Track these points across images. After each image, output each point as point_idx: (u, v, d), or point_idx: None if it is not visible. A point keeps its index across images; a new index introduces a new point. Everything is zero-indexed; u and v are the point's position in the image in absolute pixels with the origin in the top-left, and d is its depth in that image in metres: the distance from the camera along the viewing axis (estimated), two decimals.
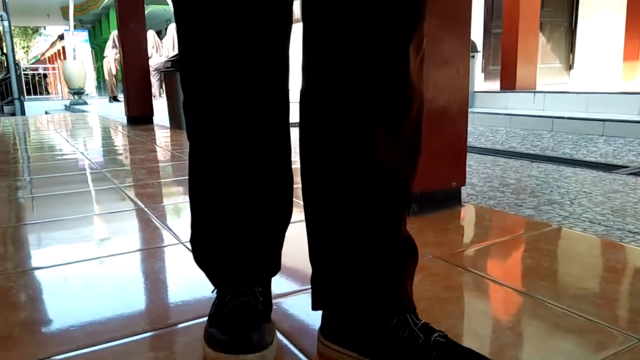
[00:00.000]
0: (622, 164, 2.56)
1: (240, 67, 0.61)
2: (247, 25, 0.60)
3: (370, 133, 0.59)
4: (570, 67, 6.59)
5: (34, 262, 1.07)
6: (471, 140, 3.60)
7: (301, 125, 0.64)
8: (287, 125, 0.70)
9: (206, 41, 0.61)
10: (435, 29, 1.40)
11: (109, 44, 10.62)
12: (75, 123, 5.30)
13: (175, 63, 4.07)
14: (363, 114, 0.59)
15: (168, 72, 4.12)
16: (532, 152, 3.07)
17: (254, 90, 0.63)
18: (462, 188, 1.53)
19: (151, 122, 4.58)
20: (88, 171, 2.22)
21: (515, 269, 0.98)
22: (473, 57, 5.24)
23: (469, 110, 1.54)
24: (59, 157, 2.71)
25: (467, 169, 1.51)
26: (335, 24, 0.58)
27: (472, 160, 2.56)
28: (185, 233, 1.23)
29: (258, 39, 0.61)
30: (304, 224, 0.67)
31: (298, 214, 0.71)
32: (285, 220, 0.73)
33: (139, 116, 4.55)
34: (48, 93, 16.00)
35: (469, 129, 1.44)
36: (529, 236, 1.19)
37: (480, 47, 6.79)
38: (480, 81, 6.94)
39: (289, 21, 0.64)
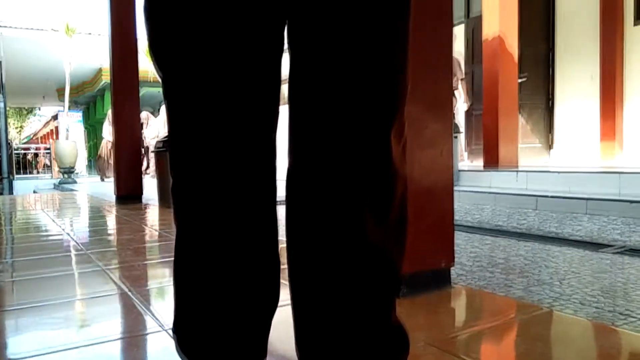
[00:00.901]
0: (607, 242, 2.59)
1: (229, 153, 0.63)
2: (236, 109, 0.62)
3: (359, 218, 0.60)
4: (550, 146, 6.82)
5: (9, 353, 1.02)
6: (458, 218, 3.63)
7: (288, 209, 0.65)
8: (274, 209, 0.70)
9: (195, 125, 0.63)
10: (418, 113, 1.46)
11: (106, 125, 10.73)
12: (63, 202, 5.28)
13: (165, 143, 4.15)
14: (350, 200, 0.60)
15: (159, 152, 4.19)
16: (518, 230, 3.10)
17: (243, 175, 0.64)
18: (452, 268, 1.52)
19: (140, 200, 4.58)
20: (73, 252, 2.18)
21: (509, 356, 0.96)
22: (456, 137, 5.43)
23: (455, 188, 1.58)
24: (44, 238, 2.67)
25: (456, 248, 1.51)
26: (317, 113, 0.60)
27: (460, 238, 2.57)
28: (169, 318, 1.19)
29: (246, 123, 0.63)
30: (290, 308, 0.66)
31: (284, 295, 0.70)
32: (272, 305, 0.72)
33: (128, 195, 4.56)
34: (38, 172, 16.06)
35: (455, 206, 1.46)
36: (521, 320, 1.17)
37: (462, 128, 7.04)
38: (465, 159, 7.12)
39: (276, 106, 0.67)
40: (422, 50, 1.43)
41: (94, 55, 12.16)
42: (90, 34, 11.79)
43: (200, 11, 0.59)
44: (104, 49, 7.98)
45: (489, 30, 5.55)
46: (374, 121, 0.60)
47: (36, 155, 16.40)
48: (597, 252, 2.20)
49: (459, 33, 7.32)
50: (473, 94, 7.18)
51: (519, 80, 5.87)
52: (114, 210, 4.08)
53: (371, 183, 0.60)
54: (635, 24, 5.65)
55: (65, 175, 10.52)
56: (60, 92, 14.99)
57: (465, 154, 7.31)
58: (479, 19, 6.06)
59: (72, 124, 14.54)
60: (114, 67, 4.46)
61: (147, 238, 2.57)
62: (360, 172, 0.60)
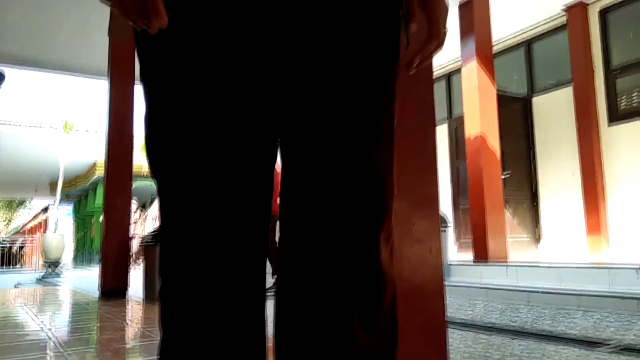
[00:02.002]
0: (602, 340, 2.54)
1: (219, 260, 0.64)
2: (228, 219, 0.64)
3: (347, 324, 0.61)
4: (538, 239, 6.87)
5: None
6: (450, 314, 3.56)
7: (277, 313, 0.66)
8: (262, 317, 0.71)
9: (186, 231, 0.65)
10: (406, 211, 1.50)
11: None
12: (45, 297, 5.12)
13: (155, 237, 4.14)
14: (339, 306, 0.61)
15: (148, 245, 4.17)
16: (512, 327, 3.04)
17: (232, 280, 0.65)
18: None
19: (125, 295, 4.46)
20: (50, 354, 2.09)
21: None
22: (444, 231, 5.47)
23: (446, 282, 1.58)
24: (22, 337, 2.56)
25: (449, 347, 1.48)
26: (307, 220, 0.63)
27: (453, 336, 2.51)
28: None
29: (238, 230, 0.65)
30: None
31: None
32: None
33: (113, 289, 4.44)
34: (22, 264, 15.69)
35: (447, 301, 1.45)
36: None
37: (450, 220, 7.12)
38: (454, 252, 7.12)
39: (268, 212, 0.70)
40: (408, 150, 1.50)
41: (89, 150, 12.43)
42: (87, 130, 12.15)
43: (198, 131, 0.63)
44: (99, 144, 8.22)
45: (471, 130, 5.82)
46: (362, 228, 0.62)
47: (22, 247, 16.12)
48: (593, 351, 2.15)
49: (442, 132, 7.66)
50: (459, 189, 7.35)
51: (503, 177, 6.05)
52: (97, 306, 3.96)
53: (360, 288, 0.62)
54: (609, 124, 5.96)
55: (50, 269, 10.28)
56: (52, 186, 15.10)
57: (455, 247, 7.33)
58: (461, 118, 6.38)
59: (62, 216, 14.48)
60: (109, 164, 4.56)
61: (129, 337, 2.48)
62: (350, 278, 0.62)
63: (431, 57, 0.77)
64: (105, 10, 3.81)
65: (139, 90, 4.74)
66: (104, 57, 4.59)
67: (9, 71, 6.50)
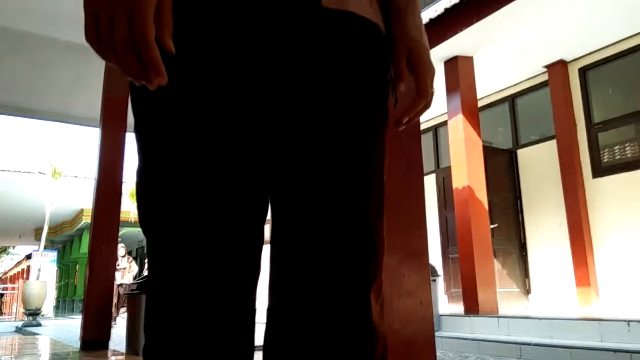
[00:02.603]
0: None
1: (207, 321, 0.64)
2: (218, 276, 0.64)
3: None
4: (528, 291, 6.85)
5: None
6: None
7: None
8: None
9: (175, 288, 0.64)
10: (395, 263, 1.51)
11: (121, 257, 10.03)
12: (24, 348, 4.93)
13: (141, 286, 4.06)
14: None
15: (133, 294, 4.08)
16: None
17: (220, 343, 0.64)
18: None
19: (107, 346, 4.32)
20: None
21: None
22: (434, 281, 5.44)
23: (437, 334, 1.56)
24: None
25: None
26: (297, 276, 0.64)
27: None
28: None
29: (227, 288, 0.65)
30: None
31: None
32: None
33: (95, 340, 4.30)
34: (2, 313, 15.17)
35: (437, 355, 1.43)
36: None
37: (440, 271, 7.09)
38: (444, 303, 7.04)
39: (258, 268, 0.70)
40: (397, 203, 1.53)
41: (77, 197, 12.34)
42: (76, 176, 12.11)
43: (189, 185, 0.64)
44: (88, 191, 8.17)
45: (459, 181, 5.91)
46: (354, 285, 0.63)
47: (1, 295, 15.63)
48: None
49: (430, 182, 7.76)
50: (447, 238, 7.37)
51: (491, 227, 6.09)
52: (77, 357, 3.82)
53: (351, 347, 0.62)
54: (594, 177, 6.09)
55: (30, 318, 9.95)
56: (38, 232, 14.85)
57: (445, 298, 7.26)
58: (448, 169, 6.48)
59: (45, 263, 14.16)
60: (96, 210, 4.53)
61: None
62: (341, 336, 0.62)
63: (419, 116, 0.81)
64: (101, 63, 3.91)
65: (130, 139, 4.79)
66: (97, 107, 4.65)
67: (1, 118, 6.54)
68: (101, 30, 0.54)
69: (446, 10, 5.16)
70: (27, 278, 14.99)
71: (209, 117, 0.65)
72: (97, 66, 4.41)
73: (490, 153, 6.58)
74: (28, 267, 17.31)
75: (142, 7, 0.54)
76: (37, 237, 14.48)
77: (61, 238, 17.35)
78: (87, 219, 12.56)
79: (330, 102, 0.68)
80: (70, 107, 6.02)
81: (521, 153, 7.06)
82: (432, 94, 0.79)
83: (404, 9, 0.81)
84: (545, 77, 6.58)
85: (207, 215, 0.64)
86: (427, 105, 0.79)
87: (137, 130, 0.69)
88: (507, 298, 6.49)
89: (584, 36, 5.69)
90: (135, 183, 0.70)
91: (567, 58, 6.29)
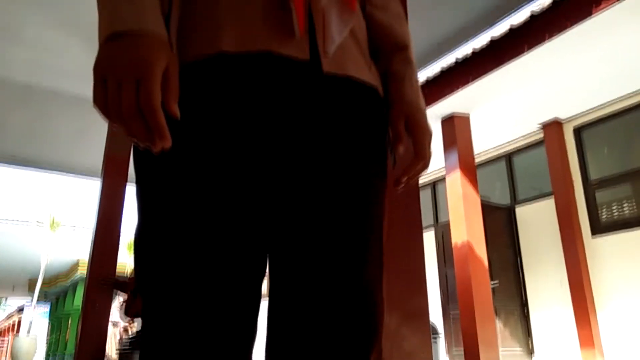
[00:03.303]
0: None
1: None
2: (215, 335, 0.63)
3: None
4: (531, 352, 6.65)
5: None
6: None
7: None
8: None
9: (171, 348, 0.63)
10: (396, 324, 1.49)
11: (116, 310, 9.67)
12: None
13: (134, 343, 3.95)
14: None
15: (125, 353, 3.96)
16: None
17: None
18: None
19: None
20: None
21: None
22: (435, 341, 5.30)
23: None
24: None
25: None
26: (294, 339, 0.63)
27: None
28: None
29: (224, 347, 0.64)
30: None
31: None
32: None
33: None
34: None
35: None
36: None
37: (440, 329, 6.92)
38: None
39: (254, 329, 0.69)
40: (396, 263, 1.53)
41: (73, 248, 12.22)
42: (74, 227, 12.05)
43: (189, 247, 0.65)
44: (85, 242, 8.09)
45: (458, 237, 5.89)
46: (353, 350, 0.62)
47: None
48: None
49: (429, 237, 7.72)
50: (448, 295, 7.24)
51: (492, 286, 6.01)
52: None
53: None
54: (593, 236, 6.07)
55: None
56: (32, 283, 14.59)
57: (447, 358, 7.04)
58: (447, 224, 6.47)
59: (38, 317, 13.82)
60: (93, 261, 4.49)
61: None
62: None
63: (417, 177, 0.82)
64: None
65: (130, 190, 4.81)
66: (99, 158, 4.71)
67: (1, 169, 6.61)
68: (109, 94, 0.56)
69: (442, 70, 5.33)
70: (18, 332, 14.57)
71: (212, 179, 0.66)
72: (100, 118, 4.49)
73: (488, 209, 6.59)
74: (19, 320, 16.86)
75: (150, 74, 0.56)
76: (31, 288, 14.21)
77: (55, 290, 17.02)
78: (82, 270, 12.37)
79: (330, 165, 0.70)
80: (72, 158, 6.09)
81: (520, 210, 7.08)
82: (429, 155, 0.82)
83: (402, 73, 0.85)
84: (541, 135, 6.70)
85: (207, 275, 0.64)
86: (425, 167, 0.81)
87: (139, 189, 0.70)
88: (510, 359, 6.30)
89: (577, 96, 5.84)
90: (135, 240, 0.70)
91: (562, 117, 6.43)
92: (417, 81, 0.87)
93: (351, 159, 0.71)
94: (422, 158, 0.80)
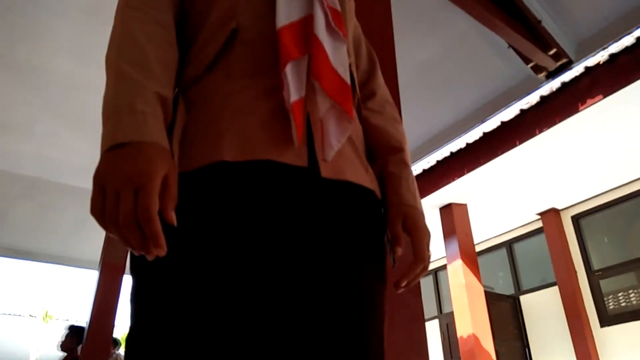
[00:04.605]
0: None
1: None
2: None
3: None
4: None
5: None
6: None
7: None
8: None
9: None
10: None
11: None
12: None
13: None
14: None
15: None
16: None
17: None
18: None
19: None
20: None
21: None
22: None
23: None
24: None
25: None
26: None
27: None
28: None
29: None
30: None
31: None
32: None
33: None
34: None
35: None
36: None
37: None
38: None
39: None
40: (398, 353, 1.48)
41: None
42: (67, 320, 11.68)
43: (187, 351, 0.63)
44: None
45: (463, 329, 5.71)
46: None
47: None
48: None
49: (433, 328, 7.48)
50: (451, 348, 6.90)
51: None
52: None
53: None
54: (602, 326, 5.89)
55: None
56: None
57: None
58: (451, 314, 6.30)
59: None
60: (85, 355, 4.31)
61: None
62: None
63: (417, 279, 0.83)
64: None
65: (126, 281, 4.75)
66: (97, 249, 4.71)
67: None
68: (107, 203, 0.58)
69: (438, 162, 5.48)
70: None
71: (210, 286, 0.65)
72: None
73: (492, 299, 6.46)
74: None
75: (149, 183, 0.58)
76: None
77: None
78: None
79: (329, 269, 0.70)
80: (71, 250, 6.07)
81: (524, 299, 6.92)
82: (429, 257, 0.83)
83: (398, 175, 0.89)
84: (540, 224, 6.72)
85: None
86: (425, 269, 0.82)
87: (134, 288, 0.69)
88: None
89: (573, 186, 5.94)
90: (130, 326, 0.68)
91: (559, 206, 6.50)
92: (413, 182, 0.90)
93: (351, 262, 0.72)
94: (421, 260, 0.81)
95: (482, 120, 3.67)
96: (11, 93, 3.50)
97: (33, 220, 5.52)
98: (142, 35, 0.71)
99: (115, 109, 0.64)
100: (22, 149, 4.24)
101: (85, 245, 5.83)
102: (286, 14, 0.76)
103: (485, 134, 4.89)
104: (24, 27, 2.92)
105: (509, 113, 4.59)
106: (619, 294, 5.89)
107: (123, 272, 4.60)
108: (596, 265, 6.16)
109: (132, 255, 0.71)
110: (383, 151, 0.91)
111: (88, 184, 4.82)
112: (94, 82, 3.30)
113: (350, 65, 0.84)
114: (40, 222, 5.56)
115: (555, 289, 6.36)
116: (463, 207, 6.07)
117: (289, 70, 0.72)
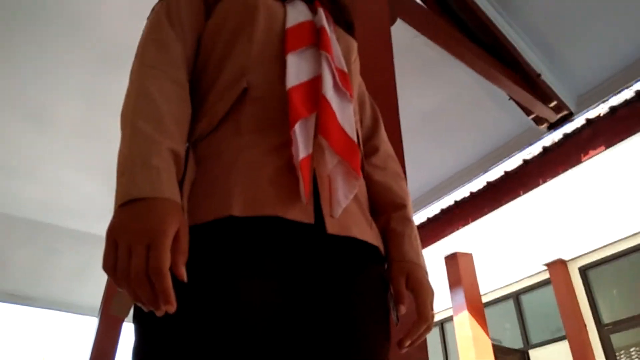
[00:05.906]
0: None
1: None
2: None
3: None
4: None
5: None
6: None
7: None
8: None
9: None
10: None
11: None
12: None
13: None
14: None
15: None
16: None
17: None
18: None
19: None
20: None
21: None
22: None
23: None
24: None
25: None
26: None
27: None
28: None
29: None
30: None
31: None
32: None
33: None
34: None
35: None
36: None
37: None
38: None
39: None
40: None
41: None
42: None
43: None
44: None
45: None
46: None
47: None
48: None
49: None
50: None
51: None
52: None
53: None
54: None
55: None
56: None
57: None
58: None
59: None
60: None
61: None
62: None
63: (422, 338, 0.82)
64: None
65: (125, 329, 4.66)
66: (98, 295, 4.64)
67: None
68: (119, 259, 0.58)
69: (442, 210, 5.47)
70: None
71: (218, 340, 0.64)
72: (100, 256, 4.51)
73: (501, 353, 6.26)
74: None
75: (161, 239, 0.59)
76: None
77: None
78: None
79: (334, 324, 0.70)
80: (71, 296, 5.99)
81: (534, 354, 6.71)
82: (432, 316, 0.82)
83: (401, 232, 0.88)
84: (547, 275, 6.61)
85: None
86: (428, 329, 0.81)
87: (139, 348, 0.68)
88: None
89: (579, 237, 5.88)
90: None
91: (566, 257, 6.40)
92: (416, 239, 0.90)
93: (355, 318, 0.71)
94: (425, 320, 0.79)
95: (485, 170, 3.69)
96: (18, 135, 3.56)
97: (33, 265, 5.48)
98: (157, 92, 0.73)
99: (130, 164, 0.65)
100: (25, 192, 4.27)
101: (85, 291, 5.76)
102: (296, 75, 0.79)
103: (489, 183, 4.90)
104: (34, 70, 3.01)
105: (512, 163, 4.62)
106: (631, 349, 5.71)
107: (122, 321, 4.53)
108: (606, 318, 6.00)
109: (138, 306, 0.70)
110: (386, 207, 0.91)
111: (89, 228, 4.82)
112: (101, 127, 3.37)
113: (355, 123, 0.86)
114: (40, 267, 5.52)
115: (565, 343, 6.18)
116: (468, 256, 6.00)
117: (297, 128, 0.74)
